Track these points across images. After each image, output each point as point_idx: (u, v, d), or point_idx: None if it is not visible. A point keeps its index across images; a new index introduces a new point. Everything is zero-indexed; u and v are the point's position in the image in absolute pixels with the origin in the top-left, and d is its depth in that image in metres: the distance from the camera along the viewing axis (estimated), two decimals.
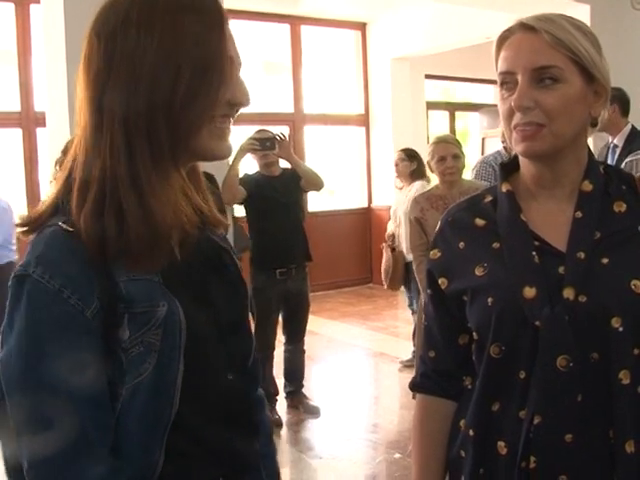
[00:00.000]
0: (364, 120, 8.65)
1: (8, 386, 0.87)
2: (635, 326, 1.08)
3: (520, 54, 1.12)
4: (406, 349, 5.36)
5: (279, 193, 4.13)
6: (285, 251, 4.12)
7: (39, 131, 6.31)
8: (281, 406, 4.34)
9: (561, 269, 1.11)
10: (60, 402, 0.85)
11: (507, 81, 1.14)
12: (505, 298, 1.13)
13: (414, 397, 1.35)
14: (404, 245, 4.84)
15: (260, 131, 4.20)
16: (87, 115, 0.93)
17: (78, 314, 0.86)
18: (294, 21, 8.18)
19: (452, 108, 9.69)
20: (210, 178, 2.92)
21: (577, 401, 1.08)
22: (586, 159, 1.19)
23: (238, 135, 4.22)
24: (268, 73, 8.51)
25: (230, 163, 3.94)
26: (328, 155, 8.56)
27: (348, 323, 6.77)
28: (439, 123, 9.52)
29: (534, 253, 1.13)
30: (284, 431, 4.16)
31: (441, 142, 3.74)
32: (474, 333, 1.19)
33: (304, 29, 8.29)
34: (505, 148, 4.33)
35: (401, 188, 5.22)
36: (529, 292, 1.10)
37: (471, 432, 1.18)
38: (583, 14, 5.67)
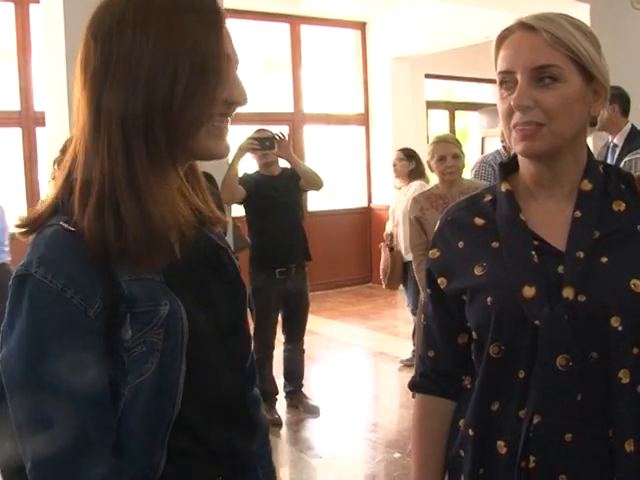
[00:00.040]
0: (364, 119, 8.65)
1: (9, 387, 0.87)
2: (634, 325, 1.08)
3: (519, 53, 1.12)
4: (406, 348, 5.37)
5: (278, 193, 4.13)
6: (285, 251, 4.12)
7: (39, 130, 6.31)
8: (281, 405, 4.34)
9: (560, 268, 1.11)
10: (62, 402, 0.84)
11: (506, 80, 1.14)
12: (504, 297, 1.13)
13: (414, 396, 1.35)
14: (402, 245, 4.85)
15: (259, 130, 4.20)
16: (85, 116, 0.92)
17: (81, 314, 0.86)
18: (294, 20, 8.18)
19: (452, 107, 9.68)
20: (209, 178, 2.92)
21: (577, 400, 1.08)
22: (585, 158, 1.19)
23: (237, 135, 4.23)
24: (268, 72, 8.51)
25: (229, 163, 3.93)
26: (328, 155, 8.55)
27: (348, 322, 6.77)
28: (439, 122, 9.51)
29: (533, 252, 1.13)
30: (284, 430, 4.16)
31: (441, 141, 3.74)
32: (473, 333, 1.19)
33: (304, 28, 8.29)
34: (504, 147, 4.34)
35: (400, 188, 5.23)
36: (528, 291, 1.10)
37: (470, 432, 1.18)
38: (583, 13, 5.67)
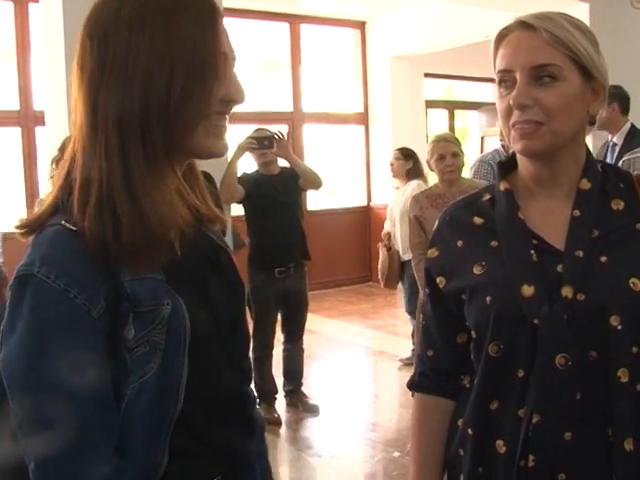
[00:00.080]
0: (363, 119, 8.64)
1: (10, 387, 0.87)
2: (634, 324, 1.08)
3: (518, 52, 1.12)
4: (405, 347, 5.37)
5: (278, 192, 4.12)
6: (284, 250, 4.12)
7: (38, 130, 6.31)
8: (280, 405, 4.34)
9: (559, 267, 1.11)
10: (64, 402, 0.84)
11: (505, 79, 1.13)
12: (503, 297, 1.13)
13: (413, 395, 1.35)
14: (400, 244, 4.86)
15: (258, 130, 4.20)
16: (82, 116, 0.92)
17: (84, 314, 0.86)
18: (293, 19, 8.17)
19: (451, 106, 9.68)
20: (208, 177, 2.92)
21: (576, 399, 1.08)
22: (584, 157, 1.18)
23: (236, 134, 4.23)
24: (267, 71, 8.50)
25: (228, 162, 3.93)
26: (327, 154, 8.55)
27: (347, 321, 6.77)
28: (438, 121, 9.51)
29: (532, 251, 1.13)
30: (283, 430, 4.16)
31: (440, 140, 3.73)
32: (472, 332, 1.19)
33: (303, 27, 8.29)
34: (503, 146, 4.33)
35: (398, 188, 5.22)
36: (527, 290, 1.10)
37: (470, 431, 1.18)
38: (582, 13, 5.66)
